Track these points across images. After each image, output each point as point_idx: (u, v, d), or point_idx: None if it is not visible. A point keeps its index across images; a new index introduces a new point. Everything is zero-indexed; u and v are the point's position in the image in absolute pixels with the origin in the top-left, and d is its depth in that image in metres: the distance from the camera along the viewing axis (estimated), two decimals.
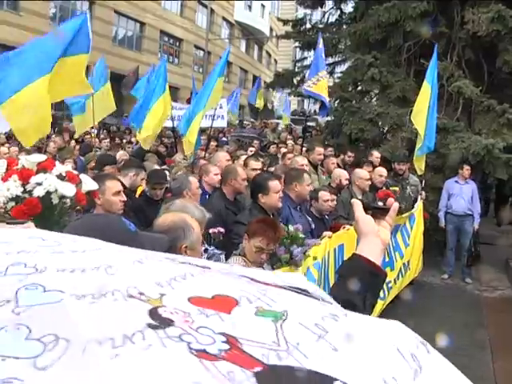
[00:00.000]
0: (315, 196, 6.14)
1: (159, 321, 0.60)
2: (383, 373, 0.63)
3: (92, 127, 10.88)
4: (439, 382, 0.71)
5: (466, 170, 9.17)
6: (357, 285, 1.37)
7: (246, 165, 6.63)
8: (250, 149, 12.44)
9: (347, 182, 7.24)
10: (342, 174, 7.44)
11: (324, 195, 6.09)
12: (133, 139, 14.03)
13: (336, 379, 0.58)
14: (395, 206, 1.66)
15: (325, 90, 10.15)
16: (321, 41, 10.53)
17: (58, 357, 0.53)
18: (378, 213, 1.63)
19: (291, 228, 4.41)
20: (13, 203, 2.35)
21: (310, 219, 5.75)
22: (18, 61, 5.81)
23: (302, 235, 4.45)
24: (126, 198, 4.30)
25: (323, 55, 10.58)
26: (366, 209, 1.59)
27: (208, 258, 3.66)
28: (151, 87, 9.78)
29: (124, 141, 14.50)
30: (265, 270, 4.09)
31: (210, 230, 4.31)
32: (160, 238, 1.98)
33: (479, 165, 9.45)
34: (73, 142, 12.13)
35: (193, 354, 0.56)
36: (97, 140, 13.31)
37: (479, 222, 9.27)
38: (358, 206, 1.59)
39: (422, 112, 8.47)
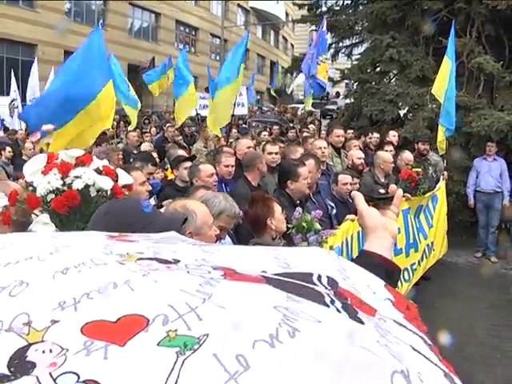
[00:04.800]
0: (335, 179, 6.13)
1: (15, 368, 0.52)
2: None
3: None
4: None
5: (491, 146, 9.10)
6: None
7: (263, 150, 6.64)
8: (263, 133, 12.48)
9: (359, 161, 7.16)
10: (353, 154, 7.36)
11: (343, 178, 6.05)
12: (153, 129, 14.11)
13: None
14: (399, 193, 1.55)
15: (324, 72, 10.34)
16: (324, 23, 10.56)
17: None
18: (382, 202, 1.51)
19: (309, 216, 4.37)
20: (52, 195, 2.44)
21: (331, 204, 5.73)
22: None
23: (318, 226, 4.40)
24: (150, 188, 4.40)
25: (326, 37, 10.66)
26: (368, 200, 1.47)
27: None
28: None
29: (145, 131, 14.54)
30: None
31: None
32: (174, 217, 2.04)
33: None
34: None
35: None
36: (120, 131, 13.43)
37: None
38: (359, 198, 1.46)
39: (443, 87, 8.43)
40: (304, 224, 4.32)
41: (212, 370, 0.52)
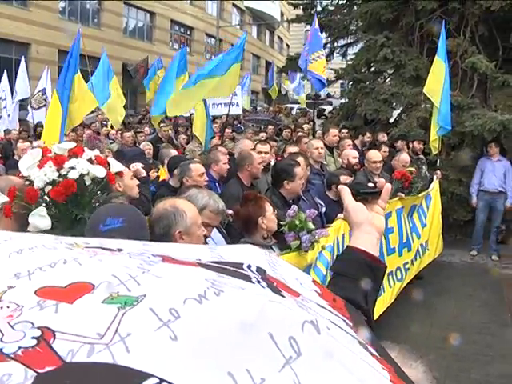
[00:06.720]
0: (336, 181, 6.07)
1: None
2: (231, 367, 0.58)
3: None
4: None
5: (492, 147, 9.21)
6: (355, 280, 1.24)
7: (254, 149, 6.65)
8: (261, 134, 12.42)
9: (355, 160, 7.16)
10: (349, 153, 7.36)
11: (345, 180, 6.04)
12: (146, 129, 14.09)
13: (152, 376, 0.54)
14: (387, 187, 1.47)
15: (322, 68, 10.40)
16: (316, 21, 10.65)
17: None
18: (369, 197, 1.44)
19: (303, 215, 4.35)
20: (50, 187, 2.58)
21: (320, 203, 5.72)
22: None
23: (311, 225, 4.38)
24: (138, 182, 4.43)
25: (319, 35, 10.74)
26: (355, 195, 1.42)
27: None
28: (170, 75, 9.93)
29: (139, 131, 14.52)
30: (274, 251, 4.10)
31: None
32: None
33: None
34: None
35: None
36: (113, 131, 13.37)
37: None
38: (346, 192, 1.41)
39: (438, 88, 8.46)
40: (297, 222, 4.30)
41: (147, 319, 0.60)
